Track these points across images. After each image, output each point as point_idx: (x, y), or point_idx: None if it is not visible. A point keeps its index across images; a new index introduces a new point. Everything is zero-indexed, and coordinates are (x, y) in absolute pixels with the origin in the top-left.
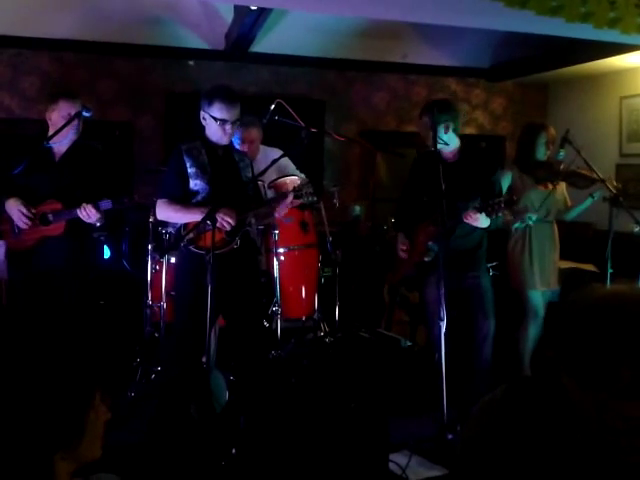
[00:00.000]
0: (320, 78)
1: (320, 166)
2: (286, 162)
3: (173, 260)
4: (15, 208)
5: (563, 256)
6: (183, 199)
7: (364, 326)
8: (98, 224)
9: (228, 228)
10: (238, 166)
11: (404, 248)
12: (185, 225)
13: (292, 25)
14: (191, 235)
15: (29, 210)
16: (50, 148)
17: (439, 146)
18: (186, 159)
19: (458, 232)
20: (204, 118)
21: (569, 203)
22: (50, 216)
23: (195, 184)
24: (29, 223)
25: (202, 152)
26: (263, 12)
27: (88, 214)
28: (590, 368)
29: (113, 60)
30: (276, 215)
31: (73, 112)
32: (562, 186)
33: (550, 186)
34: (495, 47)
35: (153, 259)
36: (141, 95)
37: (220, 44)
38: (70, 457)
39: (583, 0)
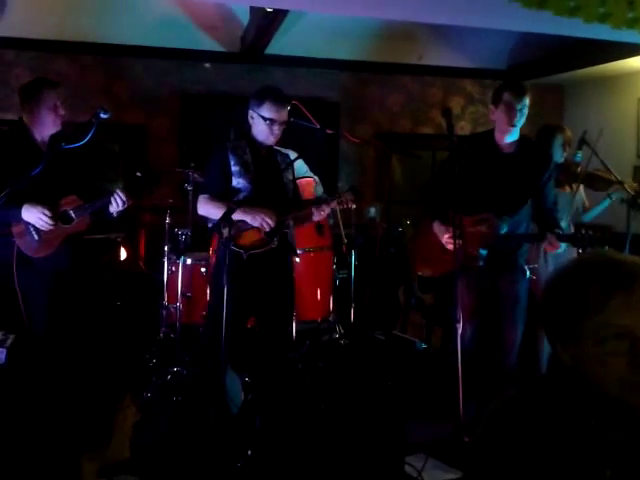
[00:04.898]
0: (335, 80)
1: (335, 168)
2: (300, 164)
3: (189, 261)
4: (35, 214)
5: None
6: (224, 196)
7: (379, 328)
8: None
9: (267, 229)
10: (280, 167)
11: (452, 240)
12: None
13: (308, 27)
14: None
15: (50, 211)
16: (35, 142)
17: (510, 133)
18: (231, 157)
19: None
20: (252, 117)
21: (587, 205)
22: (72, 213)
23: (238, 182)
24: (53, 224)
25: (246, 151)
26: (279, 14)
27: (121, 199)
28: (555, 321)
29: (129, 62)
30: (314, 219)
31: (59, 102)
32: (580, 188)
33: (567, 188)
34: (512, 48)
35: (169, 260)
36: (156, 97)
37: (236, 46)
38: (98, 457)
39: (601, 0)
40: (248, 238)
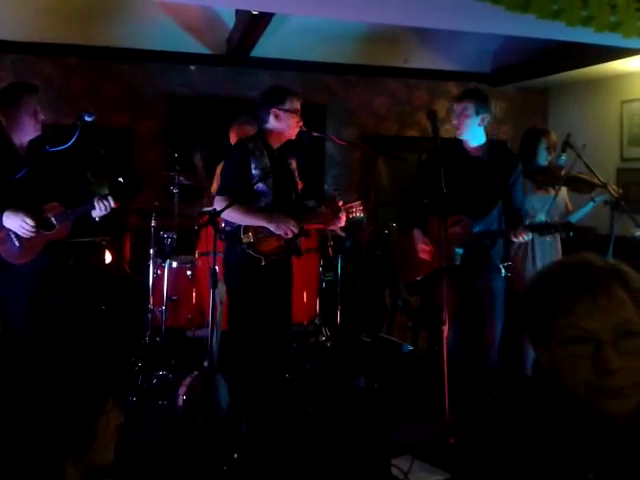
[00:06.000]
0: (321, 83)
1: (321, 170)
2: None
3: (175, 265)
4: (16, 221)
5: None
6: (245, 199)
7: (365, 330)
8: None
9: (290, 236)
10: (290, 169)
11: (427, 249)
12: (245, 227)
13: (293, 30)
14: (251, 239)
15: (32, 219)
16: (13, 147)
17: (467, 137)
18: (252, 160)
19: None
20: (277, 115)
21: (570, 208)
22: (53, 219)
23: (258, 186)
24: (35, 232)
25: (264, 154)
26: (264, 17)
27: (105, 205)
28: (531, 323)
29: (115, 65)
30: (329, 228)
31: (38, 108)
32: (563, 191)
33: (552, 191)
34: (496, 51)
35: (155, 263)
36: (142, 100)
37: (221, 49)
38: (81, 461)
39: (584, 4)
40: (268, 245)
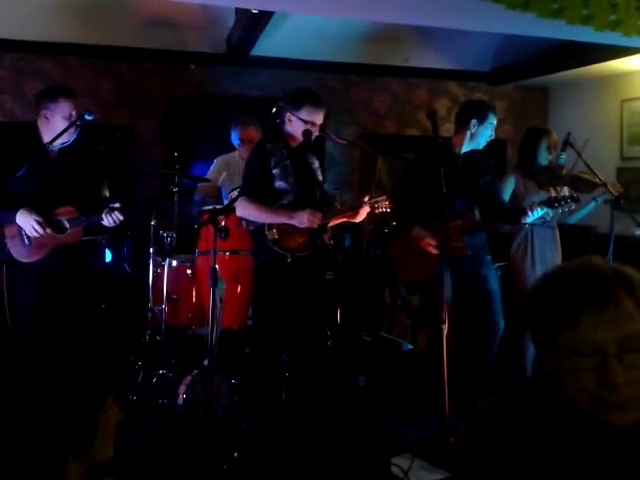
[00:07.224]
0: (321, 82)
1: (321, 170)
2: None
3: (174, 263)
4: (28, 220)
5: (564, 260)
6: (266, 198)
7: (365, 329)
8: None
9: (316, 225)
10: (312, 167)
11: (433, 243)
12: (269, 224)
13: (293, 29)
14: (275, 235)
15: (42, 222)
16: (47, 151)
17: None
18: (271, 159)
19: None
20: (290, 120)
21: (572, 207)
22: (66, 223)
23: (279, 185)
24: (43, 234)
25: (284, 153)
26: (264, 15)
27: (114, 219)
28: (536, 330)
29: (115, 63)
30: (356, 221)
31: (74, 112)
32: (565, 190)
33: (552, 190)
34: (496, 50)
35: (155, 262)
36: (142, 99)
37: (221, 47)
38: (82, 459)
39: (584, 2)
40: (293, 241)
